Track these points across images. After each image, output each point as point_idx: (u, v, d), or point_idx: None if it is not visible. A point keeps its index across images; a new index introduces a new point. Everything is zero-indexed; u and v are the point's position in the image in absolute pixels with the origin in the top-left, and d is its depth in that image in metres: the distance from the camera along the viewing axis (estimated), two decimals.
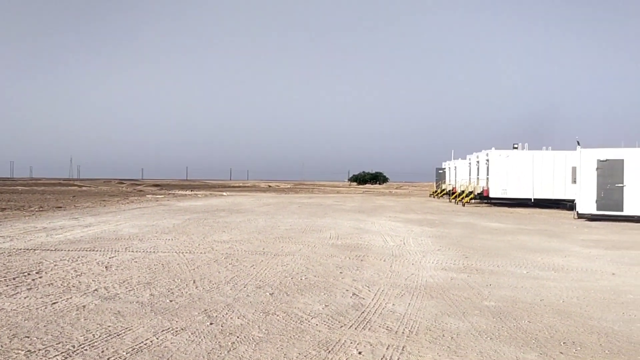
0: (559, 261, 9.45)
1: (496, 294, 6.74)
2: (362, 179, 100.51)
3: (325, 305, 6.00)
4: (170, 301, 6.08)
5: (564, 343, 4.77)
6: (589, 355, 4.45)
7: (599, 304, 6.28)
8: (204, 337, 4.80)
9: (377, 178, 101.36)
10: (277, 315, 5.55)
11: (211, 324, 5.21)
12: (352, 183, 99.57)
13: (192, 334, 4.89)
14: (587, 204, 18.69)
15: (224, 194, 43.02)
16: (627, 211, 18.07)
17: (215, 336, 4.82)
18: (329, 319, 5.45)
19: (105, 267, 8.12)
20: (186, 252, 9.74)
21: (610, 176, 18.39)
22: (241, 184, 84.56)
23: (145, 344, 4.58)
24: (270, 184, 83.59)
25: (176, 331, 4.96)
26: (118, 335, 4.80)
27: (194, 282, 7.16)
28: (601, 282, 7.62)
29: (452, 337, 4.89)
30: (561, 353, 4.51)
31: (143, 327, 5.08)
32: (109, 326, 5.08)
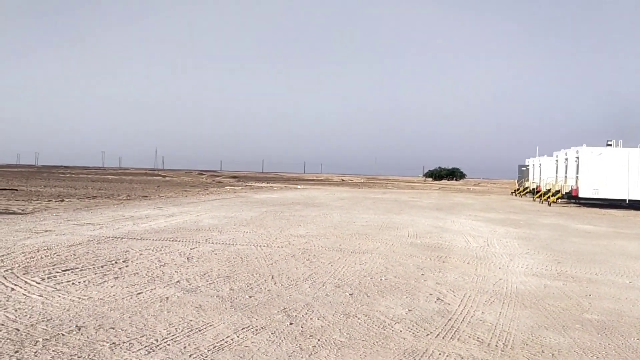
0: None
1: (598, 306, 6.13)
2: (438, 174, 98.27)
3: (409, 310, 5.69)
4: (250, 297, 6.00)
5: None
6: None
7: None
8: (284, 338, 4.65)
9: (453, 174, 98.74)
10: (358, 318, 5.31)
11: (291, 324, 5.05)
12: (427, 179, 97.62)
13: (272, 334, 4.75)
14: None
15: (299, 187, 43.41)
16: None
17: (295, 338, 4.66)
18: (413, 326, 5.14)
19: (187, 259, 8.23)
20: (264, 246, 9.72)
21: None
22: (314, 177, 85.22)
23: (226, 342, 4.49)
24: (343, 178, 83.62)
25: (256, 330, 4.84)
26: (200, 331, 4.75)
27: (272, 277, 7.07)
28: None
29: (552, 355, 4.44)
30: None
31: (224, 323, 5.01)
32: (191, 320, 5.05)
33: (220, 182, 49.89)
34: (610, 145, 25.00)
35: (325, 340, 4.61)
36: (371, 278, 7.27)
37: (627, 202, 24.31)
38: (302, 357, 4.19)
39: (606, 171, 24.28)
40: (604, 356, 4.45)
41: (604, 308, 6.06)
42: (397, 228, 13.60)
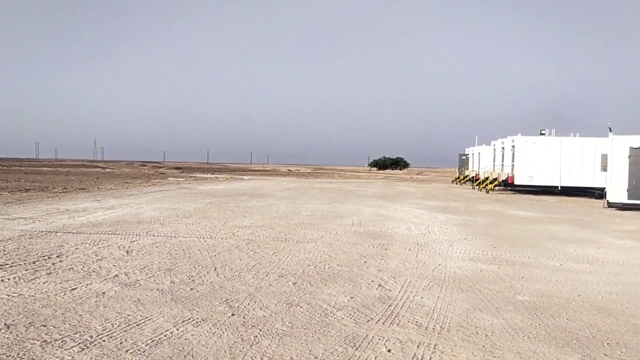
0: (593, 253, 9.06)
1: (530, 288, 6.42)
2: (383, 164, 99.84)
3: (351, 297, 5.77)
4: (191, 289, 5.90)
5: (607, 344, 4.46)
6: (636, 358, 4.13)
7: None
8: (226, 329, 4.61)
9: (397, 163, 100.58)
10: (301, 307, 5.33)
11: (233, 315, 5.01)
12: (372, 168, 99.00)
13: (213, 325, 4.69)
14: (618, 192, 18.09)
15: (245, 177, 43.01)
16: None
17: (237, 329, 4.62)
18: (355, 312, 5.21)
19: (126, 252, 8.00)
20: (207, 237, 9.58)
21: None
22: (261, 168, 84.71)
23: (165, 335, 4.40)
24: (290, 168, 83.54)
25: (197, 322, 4.77)
26: (137, 325, 4.63)
27: (215, 269, 6.99)
28: None
29: (486, 335, 4.61)
30: (605, 355, 4.20)
31: (163, 316, 4.90)
32: (129, 315, 4.92)
33: (163, 173, 48.71)
34: (544, 134, 26.15)
35: (267, 330, 4.60)
36: (315, 267, 7.31)
37: (559, 188, 25.54)
38: (243, 348, 4.17)
39: (540, 159, 25.40)
40: (534, 336, 4.67)
41: (535, 290, 6.35)
42: (342, 217, 13.73)
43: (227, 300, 5.51)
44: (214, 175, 44.82)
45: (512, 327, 4.87)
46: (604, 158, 20.81)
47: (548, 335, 4.68)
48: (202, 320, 4.84)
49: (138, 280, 6.25)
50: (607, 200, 18.38)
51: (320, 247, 8.97)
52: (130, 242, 8.93)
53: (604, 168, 20.49)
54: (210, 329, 4.60)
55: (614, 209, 18.13)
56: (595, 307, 5.63)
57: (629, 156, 17.90)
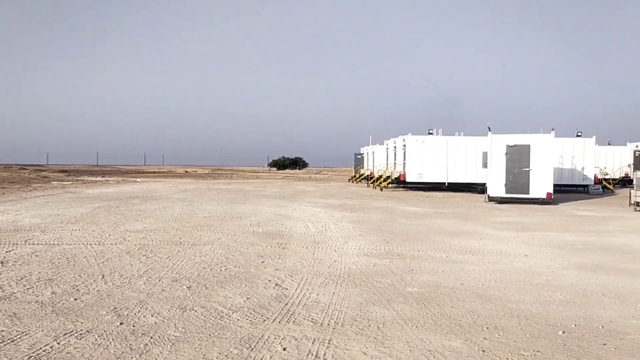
0: (475, 244, 9.73)
1: (419, 280, 6.76)
2: (282, 164, 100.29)
3: (247, 298, 5.71)
4: (75, 299, 5.53)
5: (486, 328, 4.81)
6: (512, 340, 4.49)
7: (515, 286, 6.46)
8: (113, 339, 4.37)
9: (296, 163, 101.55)
10: (196, 311, 5.19)
11: (121, 323, 4.76)
12: (271, 168, 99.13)
13: (99, 336, 4.43)
14: (497, 187, 19.59)
15: (138, 180, 41.14)
16: (533, 194, 19.14)
17: (125, 338, 4.40)
18: (251, 313, 5.17)
19: (1, 263, 7.32)
20: (95, 244, 9.03)
21: (518, 161, 19.36)
22: (156, 170, 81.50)
23: (44, 351, 4.08)
24: (187, 170, 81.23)
25: (81, 334, 4.47)
26: (12, 342, 4.25)
27: (102, 276, 6.60)
28: (515, 264, 7.89)
29: (378, 327, 4.79)
30: (485, 339, 4.52)
31: (42, 330, 4.54)
32: (2, 331, 4.50)
33: (46, 177, 45.22)
34: (432, 133, 27.65)
35: (159, 337, 4.42)
36: (211, 269, 7.16)
37: (446, 184, 27.18)
38: (131, 358, 3.98)
39: (429, 157, 26.87)
40: (422, 324, 4.92)
41: (423, 281, 6.70)
42: (240, 218, 13.58)
43: (115, 308, 5.23)
44: (104, 178, 42.38)
45: (402, 318, 5.09)
46: (485, 156, 22.44)
47: (434, 323, 4.95)
48: (87, 331, 4.55)
49: (14, 293, 5.74)
50: (488, 195, 19.85)
51: (217, 249, 8.80)
52: (6, 252, 8.19)
53: (485, 165, 22.09)
54: (96, 340, 4.34)
55: (494, 202, 19.61)
56: (476, 294, 6.05)
57: (506, 153, 19.46)
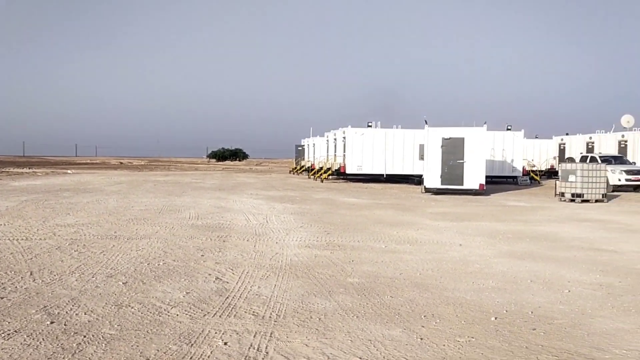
0: (412, 234, 9.98)
1: (359, 270, 6.85)
2: (222, 155, 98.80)
3: (187, 293, 5.60)
4: (1, 298, 5.22)
5: (424, 316, 4.95)
6: (448, 327, 4.65)
7: (451, 274, 6.68)
8: (44, 339, 4.16)
9: (237, 154, 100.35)
10: (132, 308, 5.03)
11: (52, 322, 4.54)
12: (211, 160, 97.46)
13: (28, 336, 4.20)
14: (433, 178, 20.15)
15: (69, 171, 39.34)
16: (467, 185, 19.84)
17: (57, 337, 4.20)
18: (190, 308, 5.07)
19: None
20: (22, 239, 8.56)
21: (453, 153, 19.98)
22: (89, 161, 78.20)
23: None
24: (122, 161, 78.47)
25: (8, 334, 4.23)
26: None
27: (30, 273, 6.27)
28: (451, 253, 8.16)
29: (319, 319, 4.82)
30: (423, 327, 4.65)
31: None
32: None
33: None
34: (371, 126, 28.06)
35: (93, 336, 4.25)
36: (148, 264, 6.96)
37: (384, 176, 27.69)
38: (64, 358, 3.80)
39: (368, 149, 27.27)
40: (362, 314, 4.99)
41: (363, 271, 6.80)
42: (178, 210, 13.27)
43: (45, 307, 4.98)
44: (31, 170, 40.22)
45: (343, 309, 5.15)
46: (422, 148, 22.99)
47: (374, 313, 5.04)
48: (15, 331, 4.30)
49: None
50: (425, 186, 20.40)
51: (154, 242, 8.56)
52: None
53: (422, 157, 22.64)
54: (25, 340, 4.12)
55: (430, 193, 20.17)
56: (414, 283, 6.21)
57: (442, 146, 20.04)
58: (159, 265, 6.91)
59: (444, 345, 4.21)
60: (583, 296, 5.71)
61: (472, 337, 4.39)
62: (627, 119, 31.14)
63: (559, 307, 5.28)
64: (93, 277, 6.19)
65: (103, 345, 4.07)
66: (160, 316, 4.80)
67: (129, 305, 5.10)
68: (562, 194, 18.15)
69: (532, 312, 5.09)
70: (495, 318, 4.91)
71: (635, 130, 30.25)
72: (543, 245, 8.99)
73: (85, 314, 4.81)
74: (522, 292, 5.87)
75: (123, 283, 5.94)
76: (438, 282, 6.29)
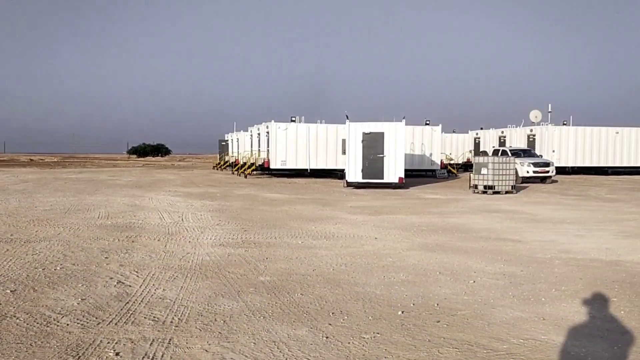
0: (330, 229, 9.96)
1: (272, 268, 6.70)
2: (143, 151, 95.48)
3: (82, 299, 5.21)
4: None
5: (332, 313, 4.88)
6: (355, 324, 4.60)
7: (363, 269, 6.68)
8: None
9: (159, 150, 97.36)
10: (17, 318, 4.60)
11: None
12: (131, 155, 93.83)
13: None
14: (354, 173, 20.36)
15: None
16: (387, 178, 20.20)
17: None
18: (84, 316, 4.71)
19: None
20: None
21: (373, 147, 20.27)
22: None
23: None
24: (32, 158, 73.66)
25: None
26: None
27: None
28: (366, 247, 8.20)
29: (224, 321, 4.62)
30: (330, 324, 4.58)
31: None
32: None
33: None
34: (294, 121, 27.96)
35: None
36: (43, 269, 6.44)
37: (309, 171, 27.72)
38: None
39: (291, 144, 27.16)
40: (270, 315, 4.84)
41: (277, 269, 6.66)
42: (87, 210, 12.53)
43: None
44: None
45: (250, 309, 4.98)
46: (344, 143, 23.19)
47: (282, 312, 4.91)
48: None
49: None
50: (346, 180, 20.57)
51: (54, 245, 7.98)
52: None
53: (344, 151, 22.82)
54: None
55: (352, 187, 20.37)
56: (326, 279, 6.14)
57: (362, 140, 20.28)
58: (55, 270, 6.42)
59: (348, 343, 4.15)
60: (487, 286, 5.88)
61: (378, 333, 4.36)
62: (535, 114, 33.04)
63: (463, 298, 5.39)
64: None
65: None
66: (48, 327, 4.41)
67: (14, 316, 4.66)
68: (476, 186, 18.91)
69: (437, 305, 5.16)
70: (402, 312, 4.92)
71: (542, 124, 32.18)
72: (454, 236, 9.25)
73: None
74: (431, 284, 5.96)
75: (11, 291, 5.44)
76: (350, 277, 6.27)
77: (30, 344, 4.02)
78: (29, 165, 47.38)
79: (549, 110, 33.81)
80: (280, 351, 3.97)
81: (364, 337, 4.26)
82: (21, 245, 7.91)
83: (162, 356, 3.84)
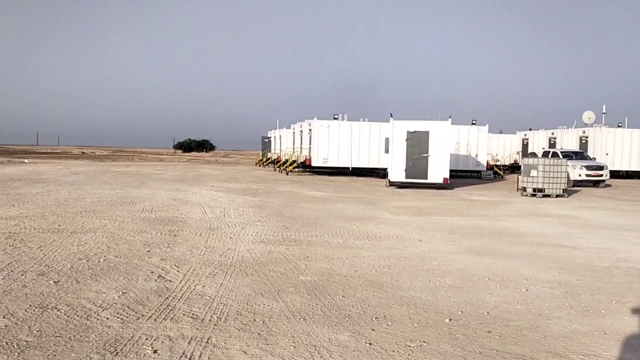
0: (372, 229, 9.72)
1: (313, 267, 6.53)
2: (188, 146, 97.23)
3: (123, 293, 5.18)
4: None
5: (375, 318, 4.66)
6: (400, 330, 4.37)
7: (407, 272, 6.42)
8: None
9: (203, 146, 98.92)
10: (58, 310, 4.59)
11: None
12: (177, 151, 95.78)
13: None
14: (397, 172, 19.99)
15: (26, 161, 37.88)
16: (431, 179, 19.74)
17: None
18: (124, 310, 4.66)
19: None
20: None
21: (417, 147, 19.84)
22: (50, 150, 75.74)
23: None
24: (84, 151, 76.26)
25: None
26: None
27: None
28: (410, 249, 7.92)
29: (263, 322, 4.48)
30: (373, 330, 4.36)
31: None
32: None
33: None
34: (337, 118, 27.74)
35: (6, 344, 3.81)
36: (87, 260, 6.49)
37: (350, 169, 27.46)
38: None
39: (334, 142, 26.96)
40: (310, 317, 4.67)
41: (317, 268, 6.48)
42: (132, 203, 12.71)
43: None
44: None
45: (290, 310, 4.82)
46: (387, 141, 22.83)
47: (323, 314, 4.73)
48: None
49: None
50: (389, 180, 20.22)
51: (99, 237, 8.06)
52: None
53: (387, 150, 22.47)
54: None
55: (394, 187, 20.01)
56: (369, 281, 5.93)
57: (407, 139, 19.88)
58: (98, 262, 6.45)
59: (393, 351, 3.92)
60: (541, 295, 5.53)
61: (424, 342, 4.12)
62: (588, 115, 31.70)
63: (515, 307, 5.07)
64: (23, 275, 5.70)
65: (15, 355, 3.64)
66: (88, 320, 4.38)
67: (56, 308, 4.66)
68: (524, 189, 18.23)
69: (488, 313, 4.87)
70: (450, 320, 4.66)
71: (595, 126, 30.84)
72: (503, 240, 8.85)
73: (3, 317, 4.36)
74: (479, 291, 5.66)
75: (54, 282, 5.47)
76: (394, 280, 6.03)
77: (69, 338, 3.98)
78: (80, 158, 49.01)
79: (604, 111, 32.41)
80: (321, 356, 3.79)
81: (409, 346, 4.03)
82: (67, 236, 8.03)
83: (200, 356, 3.72)
